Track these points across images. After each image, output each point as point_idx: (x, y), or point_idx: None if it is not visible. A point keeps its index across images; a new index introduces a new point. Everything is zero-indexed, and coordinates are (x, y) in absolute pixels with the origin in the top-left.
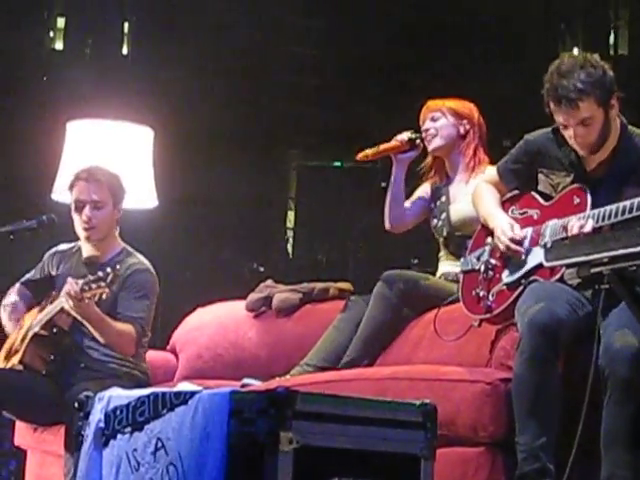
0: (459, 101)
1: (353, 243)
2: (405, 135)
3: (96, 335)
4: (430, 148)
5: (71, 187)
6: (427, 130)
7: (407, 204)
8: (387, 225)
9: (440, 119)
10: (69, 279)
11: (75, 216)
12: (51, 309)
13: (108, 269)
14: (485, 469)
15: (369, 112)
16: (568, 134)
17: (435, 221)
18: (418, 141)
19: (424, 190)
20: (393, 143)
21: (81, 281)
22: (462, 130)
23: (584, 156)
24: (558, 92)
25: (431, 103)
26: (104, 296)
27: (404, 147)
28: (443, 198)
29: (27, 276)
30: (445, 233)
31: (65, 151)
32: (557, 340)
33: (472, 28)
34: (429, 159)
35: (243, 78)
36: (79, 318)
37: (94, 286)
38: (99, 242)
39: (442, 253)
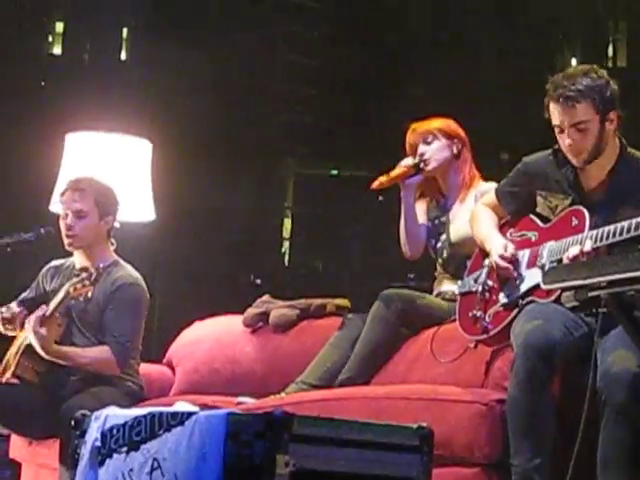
0: (443, 120)
1: (349, 252)
2: (409, 160)
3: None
4: (428, 169)
5: (61, 197)
6: (422, 154)
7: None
8: (406, 253)
9: (434, 141)
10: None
11: (61, 224)
12: None
13: (91, 269)
14: None
15: (366, 121)
16: (563, 140)
17: (433, 242)
18: (422, 165)
19: (421, 211)
20: (403, 169)
21: (51, 306)
22: (455, 150)
23: (578, 166)
24: (558, 91)
25: (417, 126)
26: (89, 294)
27: (410, 172)
28: (443, 218)
29: (23, 295)
30: (445, 254)
31: (64, 163)
32: (551, 361)
33: (469, 42)
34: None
35: (241, 87)
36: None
37: (79, 286)
38: (88, 252)
39: (439, 273)
